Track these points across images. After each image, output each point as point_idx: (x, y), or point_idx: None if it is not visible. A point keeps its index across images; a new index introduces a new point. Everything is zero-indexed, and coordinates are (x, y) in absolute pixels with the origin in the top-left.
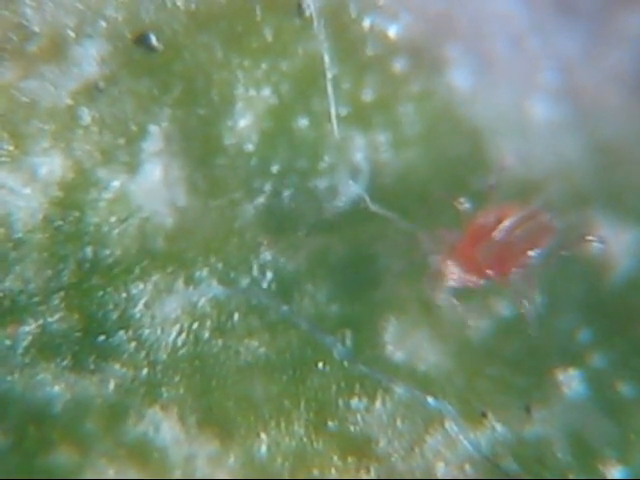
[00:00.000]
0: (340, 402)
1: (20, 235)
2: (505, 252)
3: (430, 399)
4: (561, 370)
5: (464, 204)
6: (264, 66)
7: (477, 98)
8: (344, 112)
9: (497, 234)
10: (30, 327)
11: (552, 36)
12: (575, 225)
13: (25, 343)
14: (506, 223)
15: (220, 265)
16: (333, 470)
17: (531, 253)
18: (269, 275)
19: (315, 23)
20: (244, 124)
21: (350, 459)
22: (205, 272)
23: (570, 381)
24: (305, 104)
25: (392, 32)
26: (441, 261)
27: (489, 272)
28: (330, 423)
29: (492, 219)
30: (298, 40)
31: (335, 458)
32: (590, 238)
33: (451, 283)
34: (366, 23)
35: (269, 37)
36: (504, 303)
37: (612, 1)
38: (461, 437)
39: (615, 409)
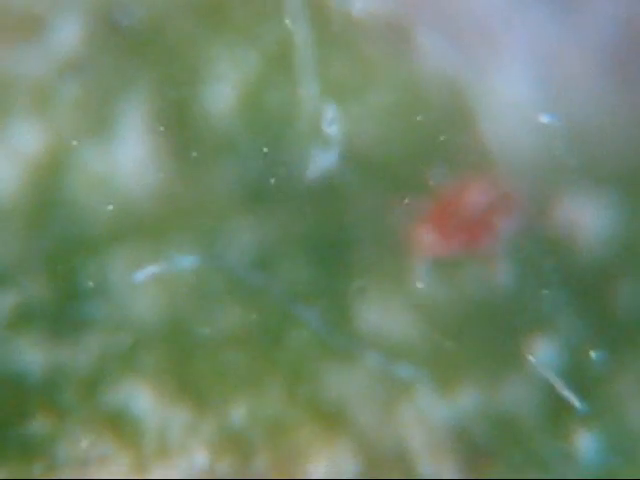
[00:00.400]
0: (315, 370)
1: None
2: (475, 222)
3: (402, 367)
4: (531, 339)
5: (435, 174)
6: (238, 38)
7: (446, 70)
8: (315, 86)
9: (466, 204)
10: (7, 296)
11: (523, 11)
12: (546, 195)
13: (2, 313)
14: (474, 192)
15: (196, 236)
16: (307, 438)
17: (500, 223)
18: (244, 245)
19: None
20: (219, 96)
21: (325, 427)
22: (181, 243)
23: (540, 349)
24: (278, 76)
25: (359, 6)
26: (412, 230)
27: (459, 241)
28: (305, 391)
29: (461, 189)
30: (272, 13)
31: (310, 426)
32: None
33: (422, 252)
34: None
35: (242, 14)
36: (474, 273)
37: None
38: (434, 404)
39: (584, 375)
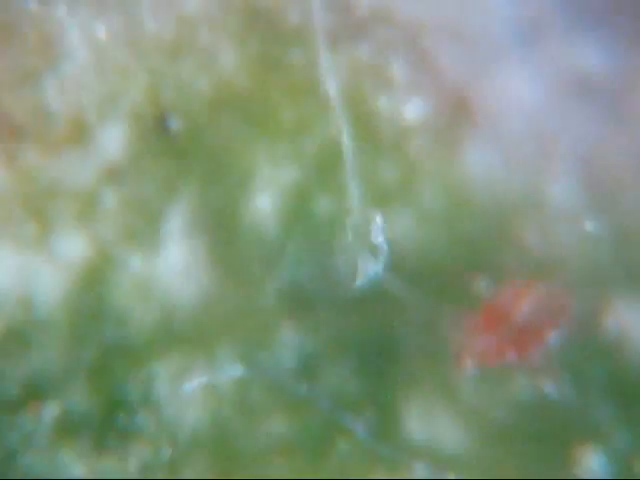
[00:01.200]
0: None
1: (41, 315)
2: (524, 332)
3: (450, 477)
4: (581, 450)
5: (483, 283)
6: (283, 146)
7: (495, 178)
8: (363, 192)
9: (515, 314)
10: (51, 408)
11: (570, 116)
12: (594, 305)
13: (46, 424)
14: (523, 302)
15: (241, 345)
16: None
17: (550, 332)
18: (290, 355)
19: (335, 104)
20: (264, 204)
21: None
22: (226, 352)
23: (589, 461)
24: (324, 184)
25: (409, 114)
26: (460, 341)
27: (509, 353)
28: None
29: (509, 299)
30: (317, 120)
31: None
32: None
33: (470, 363)
34: (383, 103)
35: (288, 117)
36: (524, 383)
37: (630, 79)
38: None
39: None
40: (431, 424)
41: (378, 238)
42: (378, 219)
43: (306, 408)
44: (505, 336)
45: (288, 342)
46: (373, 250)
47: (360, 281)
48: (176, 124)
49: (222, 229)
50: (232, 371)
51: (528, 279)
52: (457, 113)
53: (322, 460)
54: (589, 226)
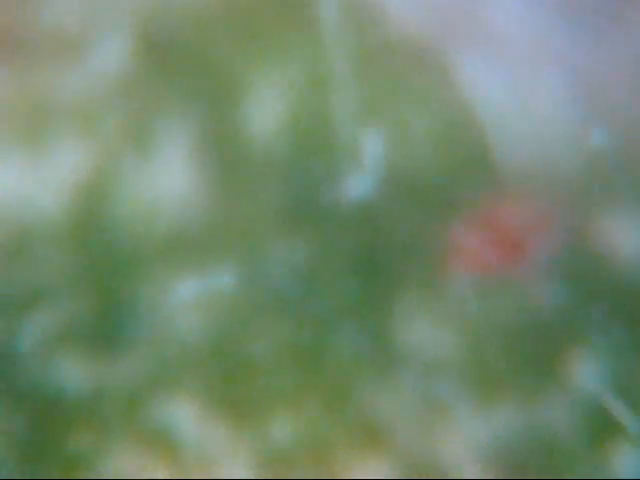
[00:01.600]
0: (354, 387)
1: (43, 223)
2: (512, 240)
3: (441, 383)
4: (575, 355)
5: (472, 196)
6: (276, 65)
7: (484, 90)
8: (353, 109)
9: (503, 223)
10: (49, 313)
11: (562, 35)
12: (584, 216)
13: (44, 330)
14: (511, 211)
15: (238, 254)
16: (348, 455)
17: (539, 241)
18: (284, 264)
19: (330, 23)
20: (259, 119)
21: (366, 444)
22: (224, 260)
23: (584, 365)
24: (315, 103)
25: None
26: (451, 248)
27: (498, 259)
28: (344, 408)
29: (498, 209)
30: (307, 41)
31: (348, 442)
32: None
33: (461, 270)
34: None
35: (280, 35)
36: (514, 290)
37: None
38: (471, 423)
39: (633, 392)
40: (423, 331)
41: (368, 154)
42: (368, 136)
43: (301, 316)
44: (495, 244)
45: (283, 252)
46: (363, 166)
47: (353, 192)
48: (171, 36)
49: (219, 143)
50: (229, 279)
51: (518, 190)
52: (447, 29)
53: (317, 366)
54: (588, 137)
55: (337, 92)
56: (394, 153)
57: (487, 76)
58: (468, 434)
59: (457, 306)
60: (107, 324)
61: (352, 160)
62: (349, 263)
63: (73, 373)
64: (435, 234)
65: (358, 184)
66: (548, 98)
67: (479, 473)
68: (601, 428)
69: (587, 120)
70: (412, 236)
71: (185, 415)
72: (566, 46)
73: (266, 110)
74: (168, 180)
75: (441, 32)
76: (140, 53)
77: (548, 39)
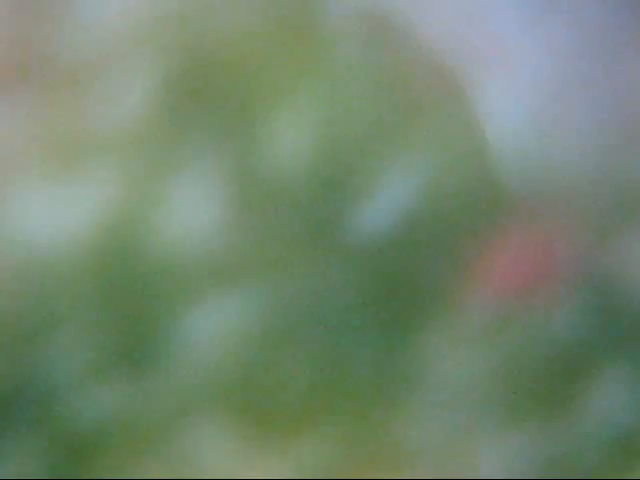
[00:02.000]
0: (376, 411)
1: (71, 254)
2: (532, 267)
3: (462, 407)
4: (594, 380)
5: (489, 227)
6: (294, 96)
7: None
8: (372, 141)
9: (523, 250)
10: (81, 344)
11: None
12: (600, 240)
13: (72, 360)
14: (530, 238)
15: (261, 285)
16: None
17: (560, 267)
18: (307, 293)
19: (347, 50)
20: (280, 153)
21: (389, 468)
22: (247, 289)
23: (604, 390)
24: (334, 134)
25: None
26: (471, 277)
27: (519, 287)
28: (366, 432)
29: (512, 240)
30: (324, 74)
31: (371, 464)
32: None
33: (482, 299)
34: None
35: (299, 66)
36: (535, 315)
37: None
38: (492, 447)
39: None
40: (444, 355)
41: (387, 186)
42: (387, 168)
43: (321, 342)
44: (510, 271)
45: (304, 284)
46: (381, 197)
47: (370, 225)
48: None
49: (243, 181)
50: (252, 307)
51: (536, 219)
52: (471, 56)
53: (337, 391)
54: (606, 166)
55: (356, 122)
56: (413, 185)
57: (508, 102)
58: (491, 459)
59: (477, 334)
60: (135, 353)
61: (370, 192)
62: (370, 291)
63: (103, 401)
64: (454, 263)
65: (377, 215)
66: (570, 123)
67: None
68: (625, 455)
69: (612, 147)
70: (431, 265)
71: (213, 441)
72: (589, 69)
73: (286, 143)
74: (192, 212)
75: (462, 56)
76: (166, 88)
77: (572, 64)
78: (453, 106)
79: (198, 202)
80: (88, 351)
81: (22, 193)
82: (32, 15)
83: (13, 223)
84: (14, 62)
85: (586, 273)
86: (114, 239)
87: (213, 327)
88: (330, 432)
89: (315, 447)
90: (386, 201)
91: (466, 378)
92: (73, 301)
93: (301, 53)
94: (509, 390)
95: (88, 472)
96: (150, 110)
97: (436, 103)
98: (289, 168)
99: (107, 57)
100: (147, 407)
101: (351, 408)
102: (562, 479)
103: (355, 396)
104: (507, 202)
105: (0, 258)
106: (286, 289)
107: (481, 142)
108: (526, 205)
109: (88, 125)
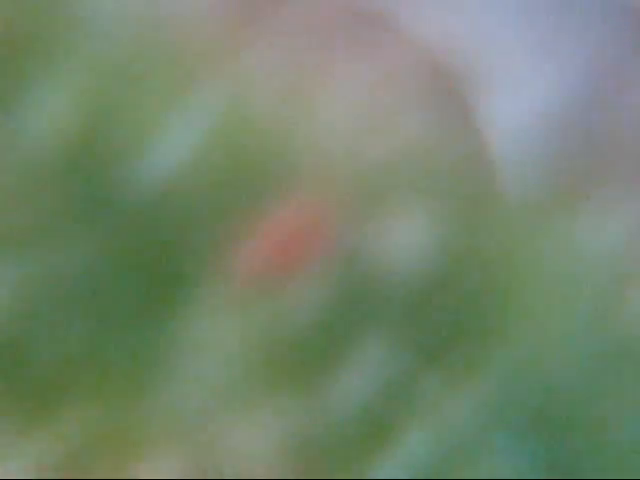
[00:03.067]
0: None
1: None
2: (287, 245)
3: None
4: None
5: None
6: None
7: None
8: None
9: (279, 227)
10: None
11: None
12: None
13: None
14: (285, 215)
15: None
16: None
17: (314, 245)
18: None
19: None
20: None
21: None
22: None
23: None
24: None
25: None
26: (232, 251)
27: (274, 265)
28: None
29: (273, 212)
30: None
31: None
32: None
33: (241, 272)
34: None
35: None
36: (291, 292)
37: None
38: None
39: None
40: (206, 325)
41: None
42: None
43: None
44: (272, 248)
45: (70, 252)
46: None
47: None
48: None
49: None
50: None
51: (291, 193)
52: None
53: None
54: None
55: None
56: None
57: None
58: (243, 435)
59: (237, 305)
60: None
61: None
62: (134, 260)
63: None
64: (219, 233)
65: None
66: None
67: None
68: (374, 430)
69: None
70: (196, 234)
71: None
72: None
73: (44, 111)
74: None
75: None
76: None
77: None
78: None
79: None
80: None
81: None
82: None
83: None
84: None
85: (342, 252)
86: None
87: None
88: (96, 403)
89: (64, 427)
90: (152, 167)
91: (223, 353)
92: None
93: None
94: (263, 365)
95: None
96: None
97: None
98: (48, 137)
99: None
100: None
101: (107, 378)
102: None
103: (118, 365)
104: (272, 180)
105: None
106: (48, 258)
107: (245, 118)
108: (289, 184)
109: None
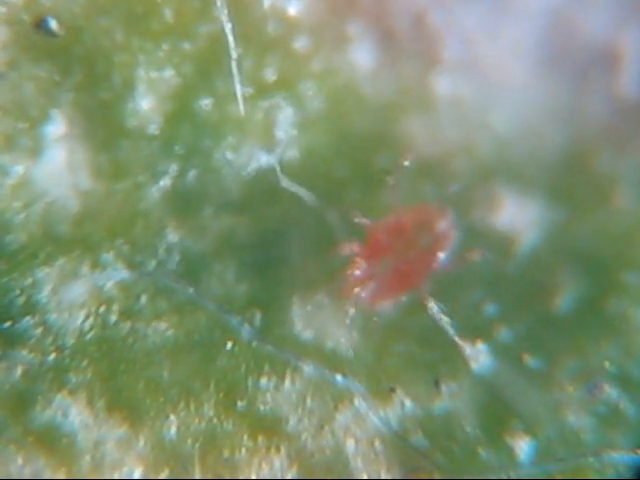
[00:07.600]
0: (249, 382)
1: None
2: (407, 265)
3: (338, 377)
4: (468, 344)
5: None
6: (165, 47)
7: (380, 74)
8: (248, 91)
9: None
10: None
11: (453, 11)
12: (479, 202)
13: None
14: (404, 240)
15: (126, 248)
16: (243, 450)
17: (434, 262)
18: (176, 257)
19: (217, 3)
20: (147, 106)
21: (260, 439)
22: (111, 255)
23: (477, 355)
24: (207, 84)
25: (292, 10)
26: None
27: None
28: (240, 403)
29: (391, 231)
30: (199, 21)
31: (245, 438)
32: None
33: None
34: (267, 1)
35: (170, 18)
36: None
37: None
38: (370, 413)
39: (521, 382)
40: (318, 323)
41: (264, 136)
42: (263, 118)
43: (193, 310)
44: (392, 266)
45: (174, 244)
46: (259, 148)
47: (247, 180)
48: (55, 27)
49: (105, 132)
50: (117, 275)
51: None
52: (342, 10)
53: (210, 361)
54: (474, 121)
55: (230, 72)
56: (289, 135)
57: (381, 55)
58: (365, 425)
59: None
60: None
61: (246, 143)
62: (243, 254)
63: None
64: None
65: (253, 167)
66: (444, 79)
67: (375, 463)
68: (495, 416)
69: (474, 101)
70: (309, 224)
71: (76, 414)
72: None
73: (155, 93)
74: (52, 171)
75: (334, 9)
76: (20, 42)
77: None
78: None
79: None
80: None
81: None
82: None
83: None
84: None
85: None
86: None
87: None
88: (198, 403)
89: (179, 420)
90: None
91: (339, 341)
92: None
93: None
94: (381, 354)
95: None
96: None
97: None
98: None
99: None
100: None
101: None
102: None
103: (226, 367)
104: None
105: None
106: (148, 261)
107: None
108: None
109: None
